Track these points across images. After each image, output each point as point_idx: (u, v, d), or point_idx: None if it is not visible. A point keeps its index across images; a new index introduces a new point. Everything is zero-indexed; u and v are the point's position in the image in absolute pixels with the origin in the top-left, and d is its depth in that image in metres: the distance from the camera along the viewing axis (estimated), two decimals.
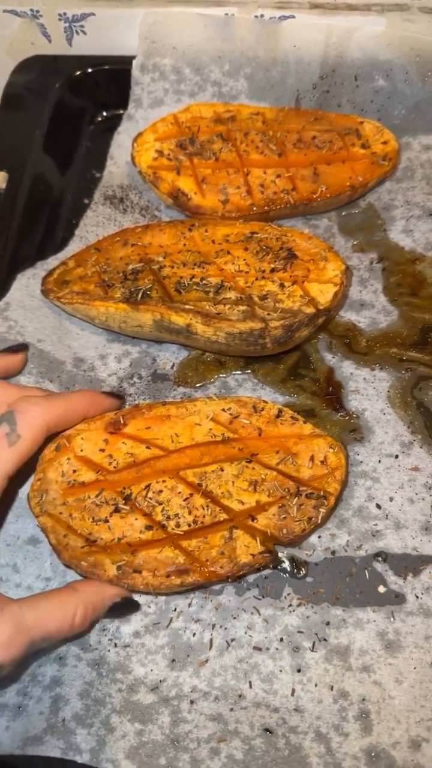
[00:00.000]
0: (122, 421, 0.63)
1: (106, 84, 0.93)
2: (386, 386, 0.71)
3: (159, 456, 0.61)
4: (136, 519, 0.58)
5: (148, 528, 0.58)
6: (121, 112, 0.91)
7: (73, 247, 0.81)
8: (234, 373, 0.73)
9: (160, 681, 0.57)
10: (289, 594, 0.61)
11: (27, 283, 0.77)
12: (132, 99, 0.90)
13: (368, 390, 0.71)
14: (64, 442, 0.62)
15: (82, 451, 0.61)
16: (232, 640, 0.59)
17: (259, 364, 0.74)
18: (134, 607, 0.59)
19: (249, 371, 0.73)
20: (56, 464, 0.61)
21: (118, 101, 0.91)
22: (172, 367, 0.74)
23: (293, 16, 0.86)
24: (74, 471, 0.60)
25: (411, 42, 0.84)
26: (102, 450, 0.62)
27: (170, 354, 0.75)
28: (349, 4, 0.88)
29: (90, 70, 0.92)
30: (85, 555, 0.57)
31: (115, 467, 0.60)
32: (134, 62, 0.88)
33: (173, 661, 0.58)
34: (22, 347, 0.69)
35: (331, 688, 0.57)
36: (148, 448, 0.61)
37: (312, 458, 0.61)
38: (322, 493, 0.60)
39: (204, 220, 0.77)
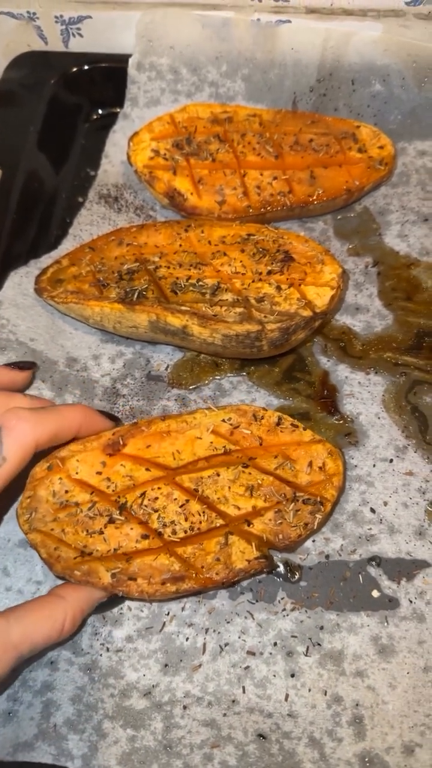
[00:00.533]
0: (121, 442, 0.61)
1: (102, 82, 0.92)
2: (381, 390, 0.72)
3: (159, 477, 0.59)
4: (132, 528, 0.57)
5: (144, 537, 0.57)
6: (117, 110, 0.90)
7: (67, 245, 0.81)
8: (228, 375, 0.73)
9: (153, 686, 0.57)
10: (282, 598, 0.61)
11: (20, 282, 0.76)
12: (128, 98, 0.89)
13: (363, 394, 0.71)
14: (57, 462, 0.59)
15: (77, 473, 0.59)
16: (226, 644, 0.59)
17: (254, 367, 0.73)
18: (119, 601, 0.59)
19: (244, 373, 0.73)
20: (47, 483, 0.59)
21: (113, 99, 0.91)
22: (166, 369, 0.73)
23: (290, 21, 0.86)
24: (66, 492, 0.58)
25: (408, 48, 0.84)
26: (99, 473, 0.59)
27: (164, 355, 0.74)
28: (346, 9, 0.88)
29: (86, 68, 0.92)
30: (79, 564, 0.55)
31: (113, 491, 0.59)
32: (131, 60, 0.87)
33: (166, 666, 0.58)
34: (30, 365, 0.67)
35: (325, 693, 0.57)
36: (147, 470, 0.59)
37: (310, 464, 0.61)
38: (318, 499, 0.60)
39: (200, 220, 0.77)
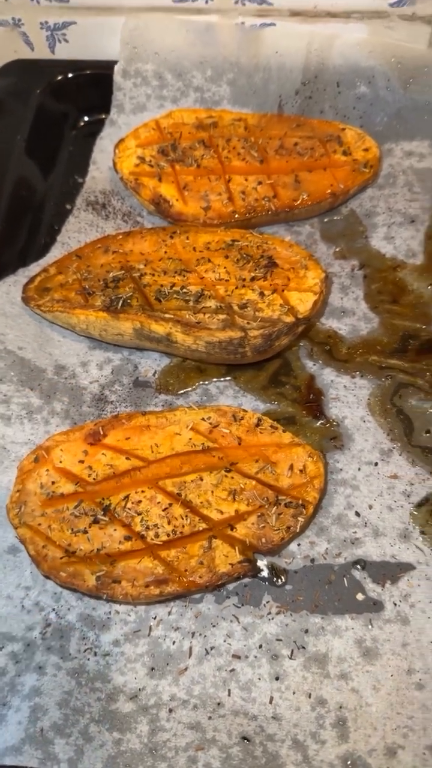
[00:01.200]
0: (102, 432, 0.63)
1: (88, 89, 0.92)
2: (366, 394, 0.72)
3: (139, 467, 0.61)
4: (115, 530, 0.58)
5: (127, 538, 0.58)
6: (104, 117, 0.91)
7: (55, 253, 0.81)
8: (215, 380, 0.73)
9: (140, 689, 0.58)
10: (268, 602, 0.61)
11: (8, 290, 0.77)
12: (114, 104, 0.90)
13: (348, 397, 0.72)
14: (42, 453, 0.62)
15: (61, 462, 0.61)
16: (212, 648, 0.59)
17: (240, 372, 0.74)
18: None
19: (230, 378, 0.74)
20: (35, 476, 0.61)
21: (100, 106, 0.91)
22: (153, 375, 0.74)
23: (274, 24, 0.87)
24: (53, 483, 0.60)
25: (392, 49, 0.84)
26: (81, 461, 0.61)
27: (152, 361, 0.75)
28: (329, 11, 0.89)
29: (71, 75, 0.92)
30: (64, 565, 0.57)
31: (94, 479, 0.60)
32: (116, 67, 0.88)
33: (152, 669, 0.58)
34: None
35: (309, 696, 0.57)
36: (127, 459, 0.61)
37: (291, 467, 0.62)
38: (300, 502, 0.60)
39: (186, 227, 0.77)
